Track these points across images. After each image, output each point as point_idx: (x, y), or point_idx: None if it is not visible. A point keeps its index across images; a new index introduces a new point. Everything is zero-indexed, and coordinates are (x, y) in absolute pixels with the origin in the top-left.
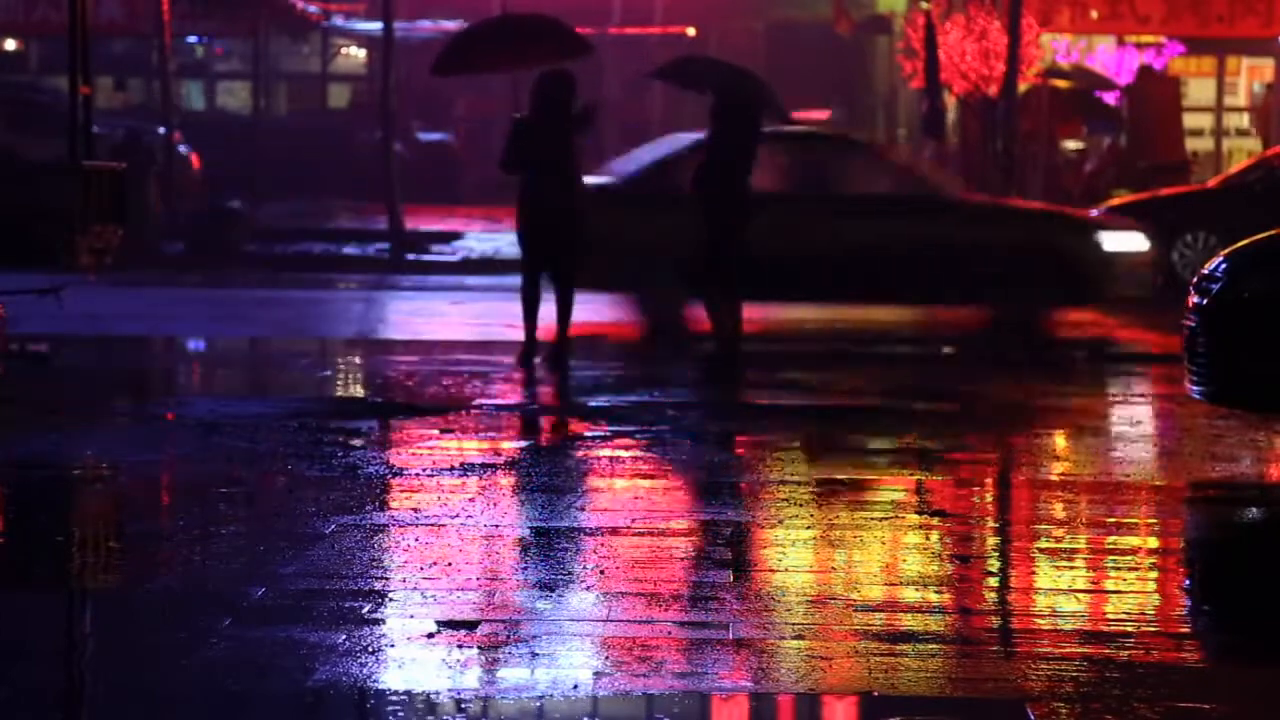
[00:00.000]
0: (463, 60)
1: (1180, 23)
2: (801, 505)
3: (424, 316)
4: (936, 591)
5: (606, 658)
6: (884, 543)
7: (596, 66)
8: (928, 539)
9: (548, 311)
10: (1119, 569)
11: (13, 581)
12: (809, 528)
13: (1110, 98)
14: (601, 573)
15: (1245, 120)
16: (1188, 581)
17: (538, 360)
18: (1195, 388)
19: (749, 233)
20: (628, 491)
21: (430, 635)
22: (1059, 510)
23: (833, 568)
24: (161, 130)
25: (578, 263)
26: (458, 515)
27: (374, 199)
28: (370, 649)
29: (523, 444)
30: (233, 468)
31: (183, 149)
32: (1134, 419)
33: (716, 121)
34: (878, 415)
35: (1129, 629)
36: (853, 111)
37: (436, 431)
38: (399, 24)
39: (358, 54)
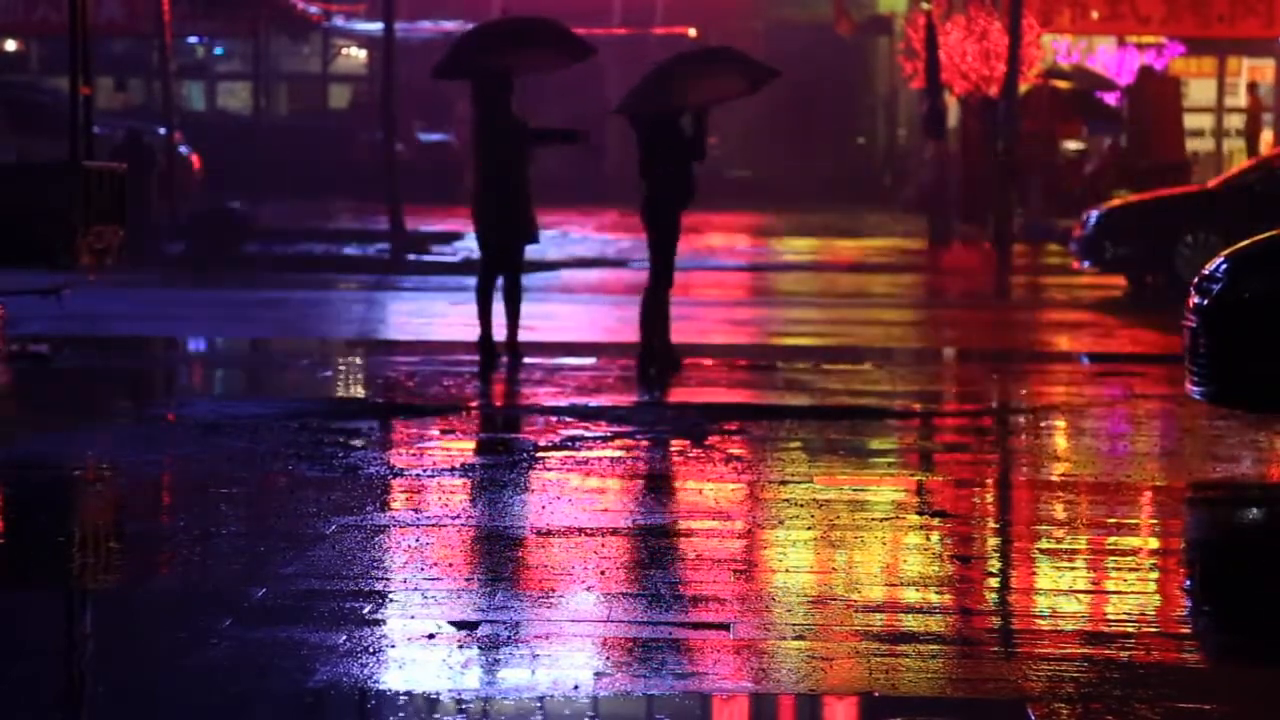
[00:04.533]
0: (459, 64)
1: (1181, 23)
2: (802, 505)
3: (424, 317)
4: (937, 592)
5: (607, 658)
6: (884, 543)
7: (597, 67)
8: (928, 540)
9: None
10: (1119, 569)
11: (13, 581)
12: (809, 528)
13: (1111, 98)
14: (602, 573)
15: (1242, 121)
16: (1188, 582)
17: (502, 360)
18: (1195, 388)
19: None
20: (628, 491)
21: (431, 636)
22: (1059, 511)
23: (833, 568)
24: (162, 130)
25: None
26: (458, 515)
27: (374, 199)
28: (371, 649)
29: (523, 444)
30: (233, 468)
31: (183, 149)
32: (1134, 419)
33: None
34: (878, 415)
35: (1129, 629)
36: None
37: (437, 432)
38: (399, 24)
39: (358, 54)
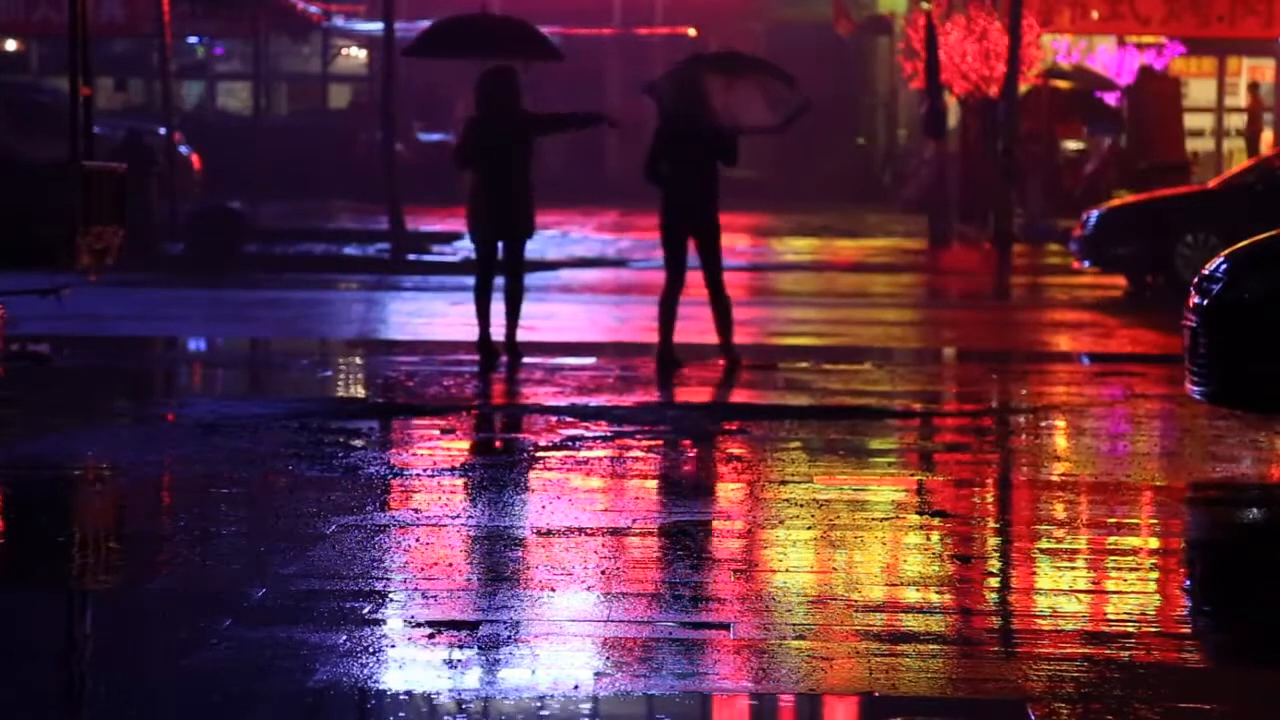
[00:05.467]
0: (430, 47)
1: (1181, 23)
2: (802, 505)
3: (424, 317)
4: (937, 592)
5: (607, 658)
6: (884, 543)
7: (597, 67)
8: (928, 540)
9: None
10: (1119, 569)
11: (13, 581)
12: (809, 528)
13: (1111, 98)
14: (602, 573)
15: (1243, 121)
16: (1188, 582)
17: (502, 360)
18: (1195, 388)
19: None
20: (628, 491)
21: (431, 635)
22: (1059, 510)
23: (833, 568)
24: (162, 131)
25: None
26: (458, 515)
27: (374, 199)
28: (371, 649)
29: (523, 444)
30: (233, 468)
31: (183, 149)
32: (1134, 419)
33: (675, 148)
34: (878, 415)
35: (1130, 629)
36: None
37: (437, 432)
38: (399, 24)
39: (358, 54)
